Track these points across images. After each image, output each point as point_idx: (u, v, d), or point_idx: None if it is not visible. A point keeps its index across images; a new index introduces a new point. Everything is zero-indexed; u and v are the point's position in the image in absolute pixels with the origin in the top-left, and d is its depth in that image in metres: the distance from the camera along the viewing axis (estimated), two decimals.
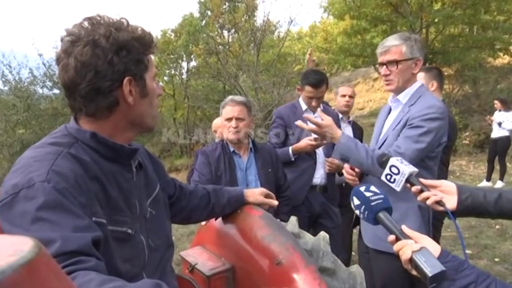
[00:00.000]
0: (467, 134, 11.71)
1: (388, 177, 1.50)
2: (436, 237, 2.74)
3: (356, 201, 1.22)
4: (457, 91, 13.63)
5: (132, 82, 1.03)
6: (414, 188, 1.43)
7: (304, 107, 2.96)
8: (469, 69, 13.27)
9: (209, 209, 1.50)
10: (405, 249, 1.06)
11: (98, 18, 1.01)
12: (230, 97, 2.52)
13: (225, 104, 2.47)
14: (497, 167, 7.85)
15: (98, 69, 0.97)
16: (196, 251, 1.68)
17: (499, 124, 7.57)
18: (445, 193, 1.36)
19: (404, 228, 1.13)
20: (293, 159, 2.86)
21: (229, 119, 2.42)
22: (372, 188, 1.22)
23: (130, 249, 1.04)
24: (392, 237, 1.13)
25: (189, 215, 1.48)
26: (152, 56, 1.11)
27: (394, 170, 1.48)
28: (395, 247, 1.10)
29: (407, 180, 1.45)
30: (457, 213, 1.34)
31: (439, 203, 1.35)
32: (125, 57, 1.00)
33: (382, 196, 1.20)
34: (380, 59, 2.02)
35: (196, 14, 20.38)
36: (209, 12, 19.36)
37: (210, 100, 16.33)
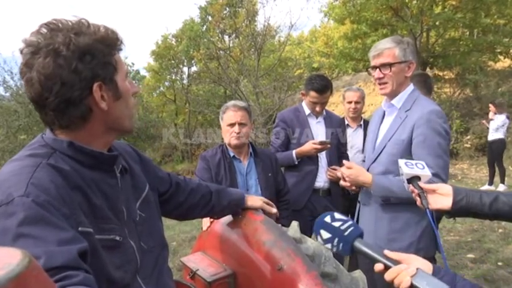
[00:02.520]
0: (468, 137, 11.69)
1: (402, 177, 1.52)
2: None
3: (325, 235, 1.10)
4: (458, 95, 13.62)
5: (102, 87, 0.98)
6: (410, 188, 1.46)
7: (307, 111, 2.96)
8: (469, 73, 13.26)
9: (208, 209, 1.49)
10: (401, 277, 0.96)
11: (55, 22, 0.95)
12: (232, 102, 2.51)
13: (226, 109, 2.45)
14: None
15: (64, 80, 0.92)
16: (197, 257, 1.67)
17: (499, 127, 7.64)
18: (442, 195, 1.39)
19: (387, 252, 1.03)
20: (296, 162, 2.86)
21: (231, 124, 2.40)
22: (336, 215, 1.12)
23: (121, 256, 1.03)
24: (379, 266, 1.01)
25: (186, 212, 1.47)
26: (120, 55, 1.06)
27: (400, 170, 1.50)
28: (388, 276, 0.99)
29: (410, 182, 1.46)
30: (452, 213, 1.38)
31: (420, 196, 1.40)
32: (89, 62, 0.94)
33: (351, 222, 1.11)
34: (373, 62, 2.00)
35: (197, 19, 20.47)
36: (210, 18, 19.46)
37: (211, 105, 16.36)
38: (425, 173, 1.45)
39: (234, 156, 2.47)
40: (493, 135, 7.78)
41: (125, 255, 1.04)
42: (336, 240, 1.08)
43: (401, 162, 1.50)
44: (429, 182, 1.82)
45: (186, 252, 4.61)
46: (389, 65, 1.93)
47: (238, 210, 1.58)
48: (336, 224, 1.09)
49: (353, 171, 2.00)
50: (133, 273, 1.06)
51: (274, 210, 1.63)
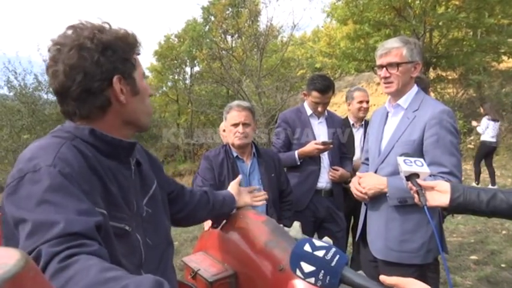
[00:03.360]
0: (471, 138, 11.66)
1: (400, 174, 1.51)
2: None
3: (308, 268, 0.91)
4: (461, 95, 13.58)
5: (121, 80, 1.04)
6: (408, 185, 1.46)
7: (309, 111, 2.95)
8: (473, 73, 13.22)
9: (209, 208, 1.53)
10: None
11: (81, 24, 1.03)
12: (236, 102, 2.50)
13: (230, 109, 2.45)
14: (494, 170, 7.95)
15: (86, 70, 0.98)
16: (199, 257, 1.67)
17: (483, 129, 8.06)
18: (440, 192, 1.40)
19: (384, 278, 0.91)
20: (299, 163, 2.85)
21: (235, 125, 2.40)
22: (316, 242, 0.93)
23: (127, 247, 1.04)
24: None
25: (192, 212, 1.49)
26: (138, 57, 1.12)
27: (399, 167, 1.49)
28: None
29: (409, 179, 1.46)
30: (449, 210, 1.39)
31: (418, 192, 1.40)
32: (111, 56, 1.01)
33: (335, 248, 0.92)
34: (380, 61, 1.98)
35: (200, 20, 20.53)
36: (212, 18, 19.49)
37: (214, 105, 16.39)
38: (424, 170, 1.45)
39: (237, 156, 2.47)
40: (481, 138, 8.18)
41: (131, 247, 1.06)
42: (322, 273, 0.89)
43: (400, 159, 1.49)
44: (446, 181, 1.83)
45: (187, 252, 4.61)
46: (397, 64, 1.93)
47: (234, 206, 1.64)
48: (319, 253, 0.90)
49: (367, 179, 2.00)
50: (136, 267, 1.07)
51: (263, 196, 1.81)
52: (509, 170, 9.42)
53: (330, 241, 1.54)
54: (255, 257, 1.42)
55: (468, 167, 10.65)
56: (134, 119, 1.12)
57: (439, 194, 1.39)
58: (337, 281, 0.89)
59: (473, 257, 4.10)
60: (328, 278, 0.89)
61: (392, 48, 1.94)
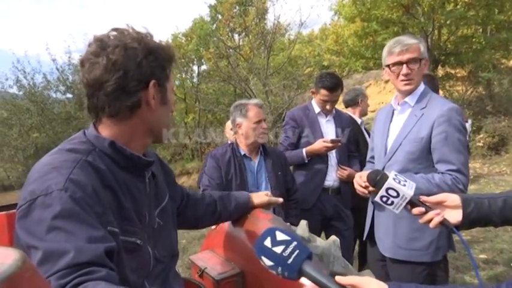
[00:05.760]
0: (481, 136, 11.52)
1: (384, 199, 1.34)
2: None
3: (268, 262, 0.95)
4: (470, 93, 13.43)
5: (156, 86, 1.06)
6: (417, 210, 1.32)
7: (317, 109, 2.94)
8: (482, 71, 13.06)
9: (216, 217, 1.52)
10: None
11: (126, 28, 1.05)
12: (254, 100, 2.52)
13: (250, 107, 2.43)
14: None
15: (127, 69, 1.00)
16: (206, 255, 1.68)
17: None
18: (449, 208, 1.28)
19: (340, 278, 0.93)
20: (306, 161, 2.84)
21: (259, 121, 2.41)
22: (279, 235, 0.96)
23: (138, 260, 1.04)
24: None
25: (195, 223, 1.50)
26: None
27: (392, 193, 1.32)
28: None
29: (409, 202, 1.32)
30: (462, 226, 1.26)
31: (443, 222, 1.25)
32: (152, 61, 1.04)
33: (296, 243, 0.94)
34: (398, 58, 1.91)
35: (207, 18, 20.54)
36: (220, 16, 19.49)
37: (221, 103, 16.38)
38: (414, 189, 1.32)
39: (244, 154, 2.47)
40: None
41: (141, 260, 1.06)
42: (280, 268, 0.94)
43: (394, 183, 1.32)
44: (454, 178, 1.81)
45: (195, 250, 4.63)
46: (419, 60, 1.91)
47: (245, 211, 1.59)
48: (278, 249, 0.94)
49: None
50: (143, 278, 1.08)
51: (280, 199, 1.68)
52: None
53: (337, 239, 1.54)
54: None
55: (477, 165, 10.57)
56: (156, 128, 1.13)
57: (450, 211, 1.27)
58: (295, 276, 0.93)
59: (482, 256, 4.06)
60: (286, 273, 0.94)
61: (412, 44, 1.91)
